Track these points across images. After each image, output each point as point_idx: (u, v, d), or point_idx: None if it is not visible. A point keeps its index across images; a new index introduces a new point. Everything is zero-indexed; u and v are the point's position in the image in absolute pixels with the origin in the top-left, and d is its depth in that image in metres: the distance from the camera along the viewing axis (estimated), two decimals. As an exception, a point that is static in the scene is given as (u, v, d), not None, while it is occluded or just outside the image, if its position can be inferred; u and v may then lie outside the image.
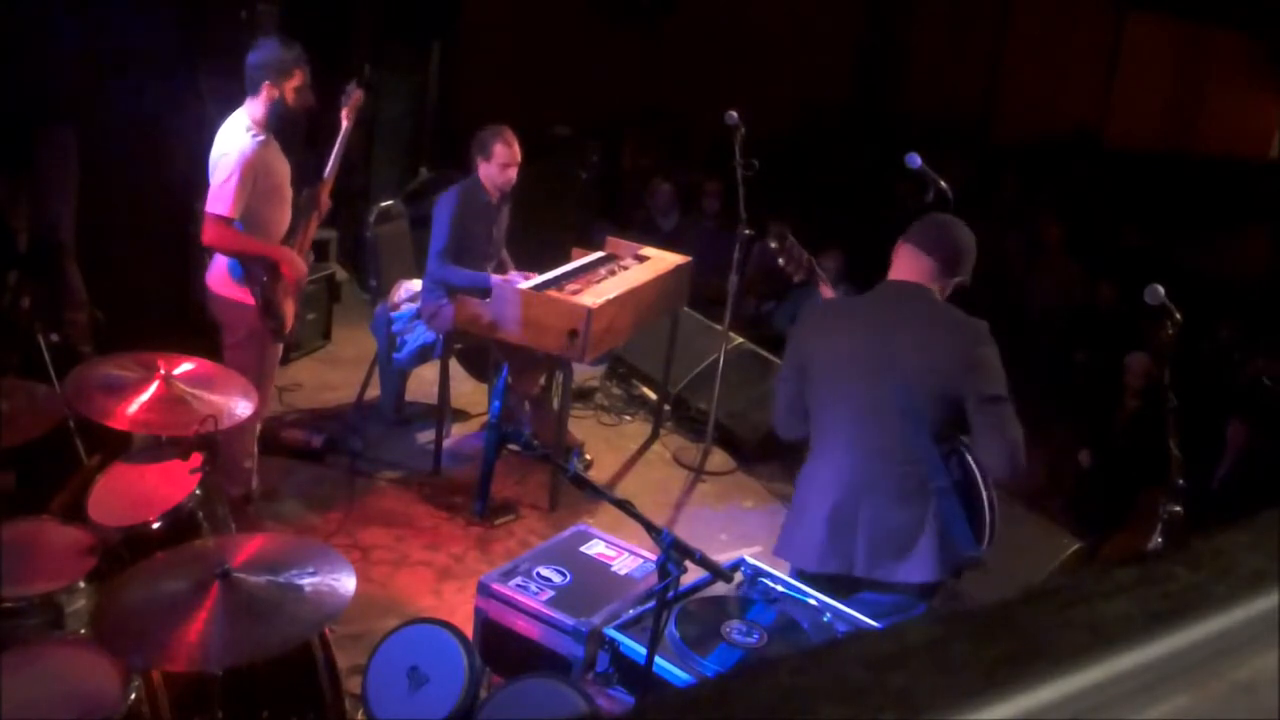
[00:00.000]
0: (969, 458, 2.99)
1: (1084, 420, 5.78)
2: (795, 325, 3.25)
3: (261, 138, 4.04)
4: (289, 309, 4.23)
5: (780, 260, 3.34)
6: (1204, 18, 8.99)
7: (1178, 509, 3.17)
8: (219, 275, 4.18)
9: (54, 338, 4.31)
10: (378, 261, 5.82)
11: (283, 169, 4.19)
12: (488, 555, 4.55)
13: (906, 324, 2.99)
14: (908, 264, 3.06)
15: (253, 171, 3.99)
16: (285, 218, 4.23)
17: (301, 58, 4.08)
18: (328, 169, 4.35)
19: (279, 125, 4.12)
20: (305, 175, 4.40)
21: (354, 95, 4.39)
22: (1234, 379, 5.71)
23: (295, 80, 4.05)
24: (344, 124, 4.37)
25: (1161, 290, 3.00)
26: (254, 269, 4.09)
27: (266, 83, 4.02)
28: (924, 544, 2.95)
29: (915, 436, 2.94)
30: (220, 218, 3.96)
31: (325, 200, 4.38)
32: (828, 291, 3.37)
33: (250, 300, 4.10)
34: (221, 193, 3.96)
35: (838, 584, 3.06)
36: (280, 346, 4.42)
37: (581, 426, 5.79)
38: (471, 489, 4.94)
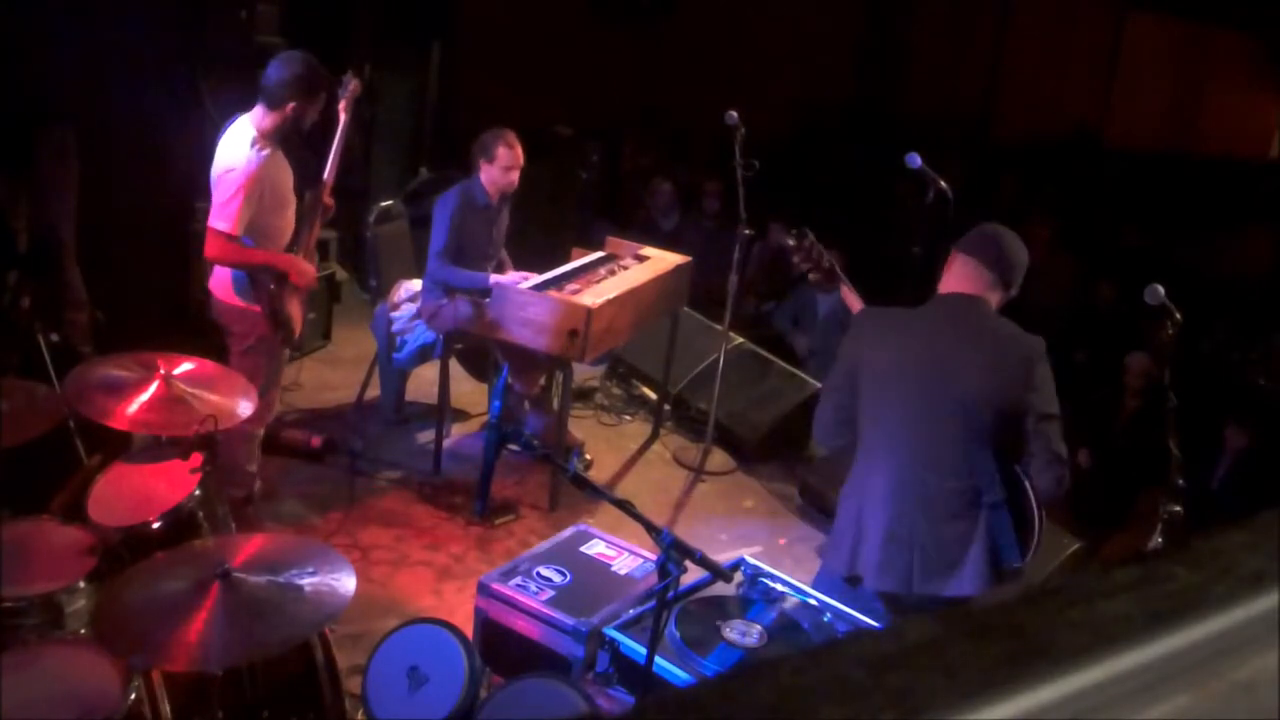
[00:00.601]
0: (1020, 473, 2.97)
1: (1084, 420, 5.78)
2: (846, 334, 3.18)
3: (267, 151, 3.93)
4: (297, 315, 4.15)
5: (795, 258, 3.29)
6: (1204, 18, 8.99)
7: (1178, 509, 3.18)
8: (224, 285, 4.10)
9: (54, 338, 4.31)
10: (378, 261, 5.82)
11: (287, 178, 4.10)
12: (488, 555, 4.55)
13: (967, 338, 2.96)
14: (964, 276, 3.01)
15: (258, 187, 3.90)
16: (290, 225, 4.14)
17: (327, 76, 4.02)
18: (327, 169, 4.26)
19: (287, 139, 4.04)
20: (305, 175, 4.35)
21: (351, 86, 4.29)
22: (1232, 380, 5.71)
23: (319, 102, 4.00)
24: (342, 117, 4.27)
25: (1161, 290, 3.00)
26: (261, 279, 4.01)
27: (294, 103, 3.92)
28: (972, 558, 2.92)
29: (975, 451, 2.92)
30: (223, 233, 3.88)
31: (328, 201, 4.29)
32: (850, 297, 3.29)
33: (258, 308, 4.05)
34: (226, 210, 3.87)
35: (893, 602, 3.02)
36: (286, 351, 4.38)
37: (581, 426, 5.79)
38: (471, 489, 4.94)
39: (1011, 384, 2.90)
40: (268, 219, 4.01)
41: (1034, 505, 2.98)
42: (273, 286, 4.04)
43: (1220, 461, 4.98)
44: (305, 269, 4.16)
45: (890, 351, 3.02)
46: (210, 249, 3.96)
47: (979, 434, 2.91)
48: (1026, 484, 2.97)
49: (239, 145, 3.93)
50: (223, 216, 3.89)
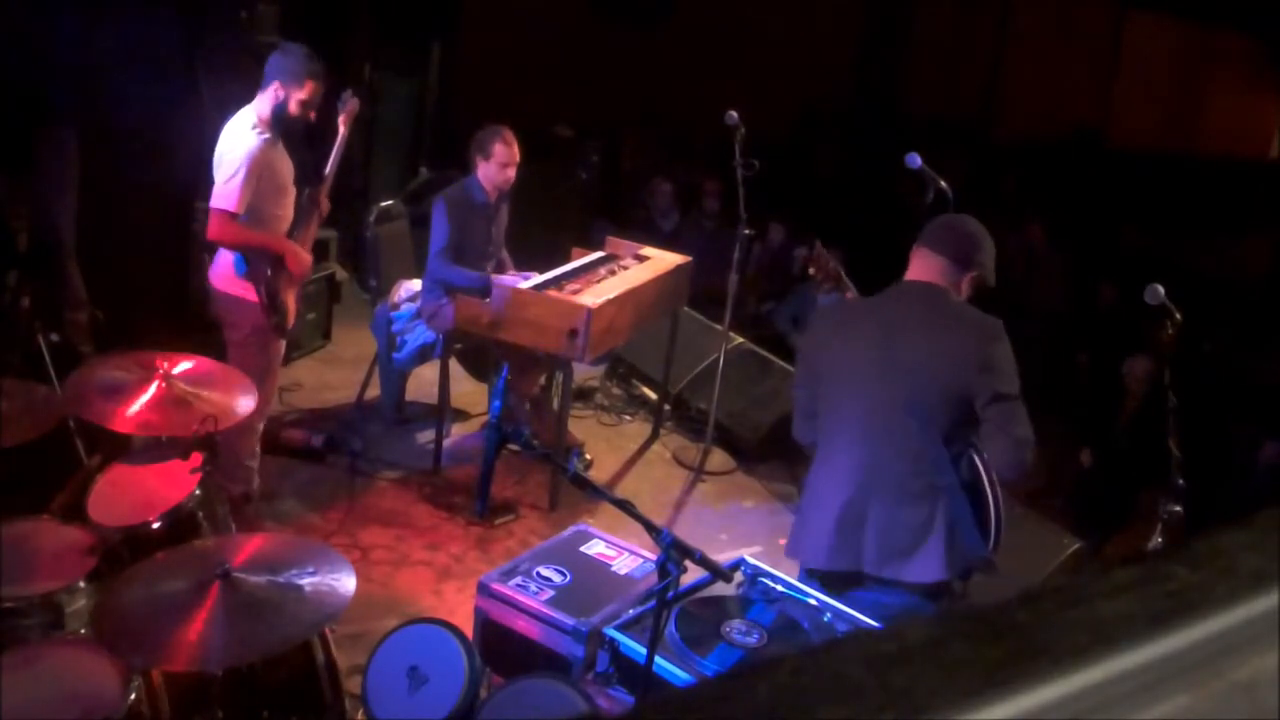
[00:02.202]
0: (977, 457, 2.99)
1: (1085, 421, 5.78)
2: (806, 330, 3.25)
3: (267, 135, 4.07)
4: (291, 304, 4.26)
5: (810, 269, 3.38)
6: (1204, 18, 9.00)
7: (1178, 509, 3.17)
8: (222, 272, 4.19)
9: (54, 338, 4.31)
10: (378, 261, 5.83)
11: (286, 168, 4.22)
12: (488, 555, 4.55)
13: (917, 323, 2.98)
14: (920, 265, 3.05)
15: (258, 168, 4.02)
16: (288, 216, 4.25)
17: (318, 73, 4.12)
18: (327, 168, 4.39)
19: (280, 128, 4.15)
20: (305, 175, 4.42)
21: (350, 104, 4.43)
22: (1235, 380, 5.69)
23: (303, 92, 4.08)
24: (341, 130, 4.41)
25: (1161, 290, 3.00)
26: (258, 264, 4.11)
27: (277, 82, 4.06)
28: (932, 543, 2.94)
29: (925, 435, 2.93)
30: (225, 212, 4.00)
31: (324, 201, 4.41)
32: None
33: (254, 297, 4.12)
34: (227, 189, 3.99)
35: (847, 581, 3.06)
36: (283, 343, 4.44)
37: (581, 426, 5.79)
38: (471, 489, 4.94)
39: (961, 366, 2.90)
40: (266, 205, 4.12)
41: (989, 491, 2.97)
42: (269, 272, 4.13)
43: (1250, 475, 4.94)
44: (302, 256, 4.27)
45: (844, 340, 3.07)
46: (212, 229, 4.07)
47: (930, 418, 2.92)
48: (982, 469, 2.98)
49: (240, 130, 4.07)
50: (224, 195, 4.01)
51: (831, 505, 3.02)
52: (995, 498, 2.98)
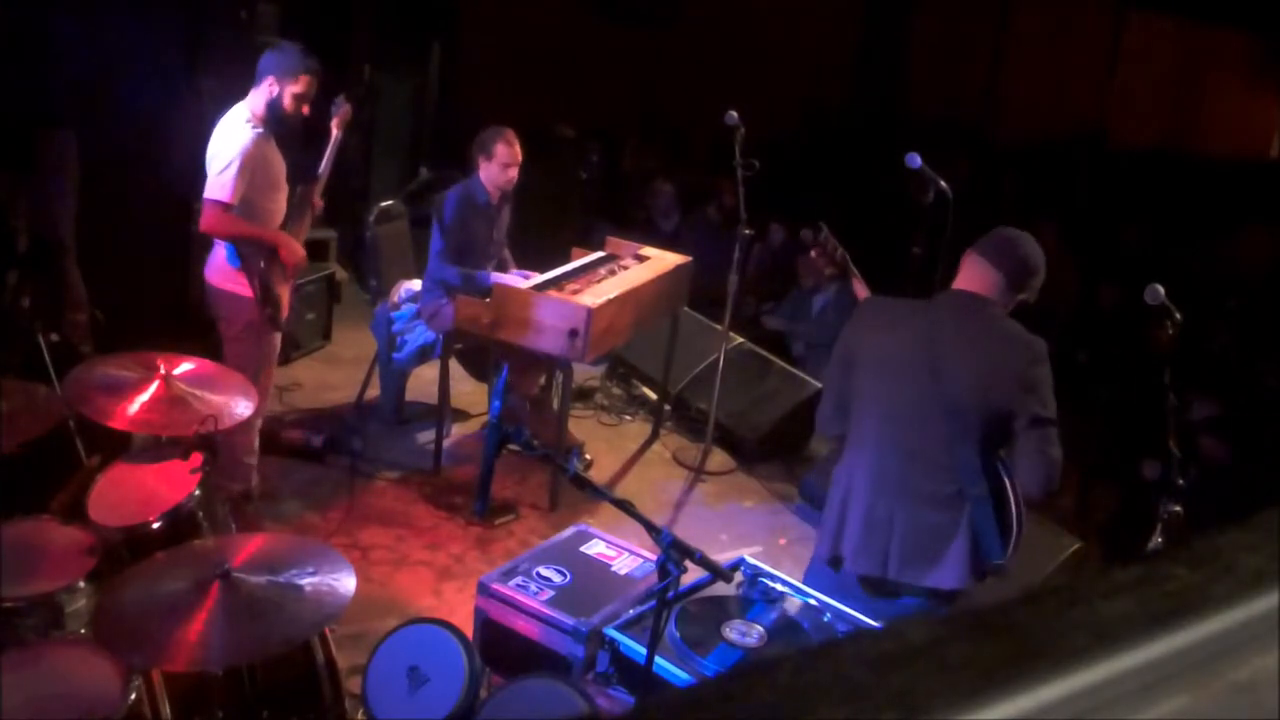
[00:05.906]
0: (1002, 469, 2.99)
1: (1084, 420, 5.76)
2: (848, 320, 3.21)
3: (260, 130, 4.09)
4: (285, 296, 4.28)
5: (814, 253, 3.37)
6: (1204, 17, 8.99)
7: (1178, 509, 3.18)
8: (217, 267, 4.21)
9: (54, 338, 4.31)
10: (378, 261, 5.83)
11: (279, 164, 4.24)
12: (488, 555, 4.55)
13: (965, 334, 2.96)
14: (974, 275, 3.01)
15: (252, 162, 4.04)
16: (281, 211, 4.28)
17: (313, 69, 4.13)
18: (321, 167, 4.41)
19: (276, 127, 4.16)
20: (300, 173, 4.43)
21: (343, 109, 4.44)
22: (1238, 380, 5.69)
23: (298, 86, 4.09)
24: (334, 133, 4.43)
25: (1161, 290, 3.01)
26: (251, 256, 4.13)
27: (271, 77, 4.08)
28: (955, 550, 2.95)
29: (959, 445, 2.93)
30: (218, 203, 4.02)
31: (318, 200, 4.43)
32: (861, 289, 3.36)
33: (247, 291, 4.14)
34: (220, 180, 4.01)
35: (874, 586, 3.06)
36: (278, 337, 4.45)
37: (581, 426, 5.79)
38: (471, 489, 4.94)
39: (1005, 385, 2.90)
40: (259, 199, 4.13)
41: (1015, 503, 2.99)
42: (263, 264, 4.15)
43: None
44: (295, 247, 4.28)
45: (887, 340, 3.04)
46: (205, 221, 4.08)
47: (966, 430, 2.92)
48: (1008, 481, 2.98)
49: (233, 124, 4.10)
50: (217, 187, 4.02)
51: (858, 505, 3.03)
52: (1018, 508, 2.99)
